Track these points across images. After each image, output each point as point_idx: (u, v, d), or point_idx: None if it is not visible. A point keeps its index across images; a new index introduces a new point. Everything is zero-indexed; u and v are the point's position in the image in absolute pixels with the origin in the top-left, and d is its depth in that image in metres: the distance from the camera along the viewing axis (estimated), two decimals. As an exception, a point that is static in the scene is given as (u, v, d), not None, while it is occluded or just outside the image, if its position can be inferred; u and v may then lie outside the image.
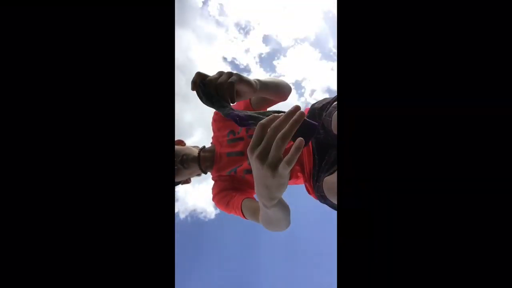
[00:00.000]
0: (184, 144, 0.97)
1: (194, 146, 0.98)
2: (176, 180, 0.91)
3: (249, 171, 0.89)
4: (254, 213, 0.79)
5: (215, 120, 0.98)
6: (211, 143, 1.00)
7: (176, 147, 0.92)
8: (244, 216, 0.85)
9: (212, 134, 1.03)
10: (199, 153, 0.93)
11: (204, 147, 0.99)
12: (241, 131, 0.91)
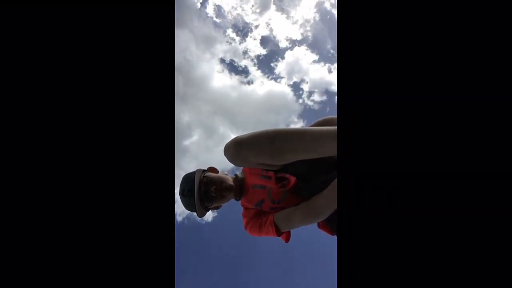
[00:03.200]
0: (217, 172, 0.99)
1: (225, 174, 1.00)
2: (210, 206, 0.93)
3: (273, 208, 0.91)
4: (289, 217, 0.85)
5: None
6: (243, 169, 1.02)
7: (213, 174, 0.94)
8: (276, 231, 0.87)
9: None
10: (234, 183, 0.95)
11: (236, 175, 1.01)
12: (269, 172, 0.92)
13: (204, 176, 0.91)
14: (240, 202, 1.00)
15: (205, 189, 0.89)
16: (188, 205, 0.91)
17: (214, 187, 0.90)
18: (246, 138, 0.73)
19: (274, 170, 0.85)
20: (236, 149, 0.73)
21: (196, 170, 0.93)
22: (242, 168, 1.02)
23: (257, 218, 0.93)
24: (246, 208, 0.99)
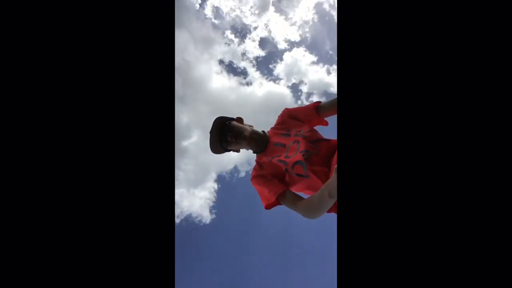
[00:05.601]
0: (242, 122, 1.16)
1: (249, 125, 1.15)
2: (228, 148, 1.10)
3: (280, 161, 1.04)
4: (293, 201, 0.97)
5: (282, 116, 1.15)
6: (269, 131, 1.16)
7: (235, 123, 1.10)
8: (275, 200, 0.99)
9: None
10: (252, 135, 1.09)
11: (262, 131, 1.15)
12: (293, 131, 1.08)
13: (226, 123, 1.08)
14: (256, 156, 1.13)
15: (224, 133, 1.06)
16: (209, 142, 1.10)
17: (230, 133, 1.06)
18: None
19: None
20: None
21: (218, 117, 1.11)
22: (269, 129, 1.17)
23: (264, 177, 1.05)
24: (260, 164, 1.10)
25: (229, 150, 1.13)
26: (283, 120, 1.13)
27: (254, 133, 1.10)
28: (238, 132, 1.07)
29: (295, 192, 1.02)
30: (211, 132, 1.09)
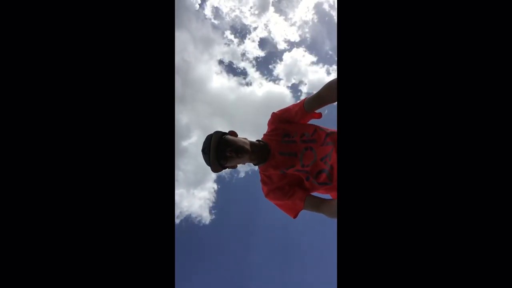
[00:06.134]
0: (237, 135, 1.07)
1: (243, 138, 1.08)
2: (226, 165, 1.01)
3: (299, 170, 1.00)
4: (316, 205, 0.95)
5: (272, 122, 1.08)
6: (262, 139, 1.10)
7: (231, 137, 1.02)
8: (298, 208, 0.98)
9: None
10: (252, 148, 1.03)
11: (258, 141, 1.09)
12: (296, 135, 1.02)
13: (222, 137, 0.99)
14: (258, 168, 1.07)
15: (221, 149, 0.97)
16: (205, 161, 1.01)
17: (230, 148, 0.97)
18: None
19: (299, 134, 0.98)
20: None
21: (215, 131, 1.02)
22: (262, 137, 1.11)
23: (282, 191, 1.01)
24: (267, 176, 1.05)
25: (225, 168, 1.02)
26: (276, 126, 1.06)
27: (253, 145, 1.04)
28: (239, 146, 0.98)
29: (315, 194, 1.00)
30: (206, 150, 0.98)
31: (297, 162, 1.00)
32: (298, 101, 1.06)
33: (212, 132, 1.03)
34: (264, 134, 1.10)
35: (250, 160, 1.04)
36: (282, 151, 1.02)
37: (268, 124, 1.09)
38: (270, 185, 1.02)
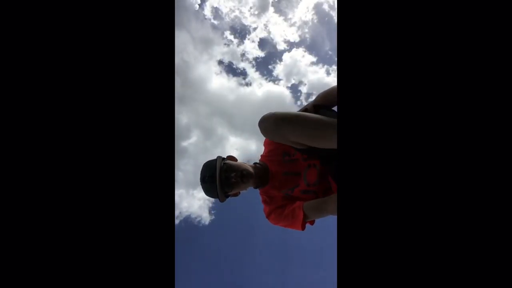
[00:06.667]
0: (236, 160, 1.02)
1: (243, 163, 1.03)
2: (229, 192, 0.95)
3: (306, 191, 0.96)
4: (321, 207, 0.88)
5: (269, 143, 1.02)
6: (260, 161, 1.05)
7: (233, 162, 0.98)
8: (303, 218, 0.90)
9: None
10: (254, 171, 0.98)
11: (256, 164, 1.04)
12: (296, 154, 0.96)
13: (224, 163, 0.94)
14: (258, 190, 1.03)
15: (225, 176, 0.91)
16: (208, 191, 0.94)
17: (234, 173, 0.92)
18: (291, 116, 0.75)
19: (298, 150, 0.87)
20: (277, 124, 0.74)
21: (217, 157, 0.96)
22: (260, 159, 1.05)
23: (282, 209, 0.96)
24: (269, 196, 1.00)
25: (228, 196, 0.96)
26: (274, 146, 1.00)
27: (256, 168, 1.00)
28: (243, 170, 0.93)
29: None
30: (208, 179, 0.92)
31: (301, 181, 0.97)
32: None
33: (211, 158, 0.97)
34: (262, 156, 1.06)
35: (254, 184, 0.99)
36: (285, 171, 0.98)
37: (265, 145, 1.04)
38: (271, 204, 0.99)
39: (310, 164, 0.95)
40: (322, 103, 0.93)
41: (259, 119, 0.78)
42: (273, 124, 0.74)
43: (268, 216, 0.99)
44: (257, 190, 1.05)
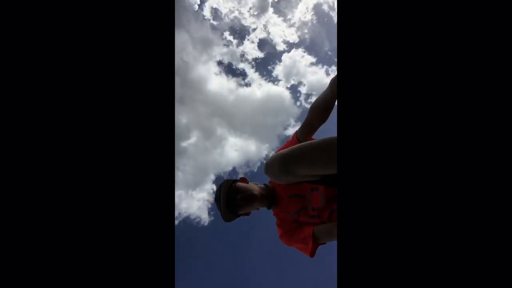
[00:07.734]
0: (248, 182, 1.07)
1: (254, 184, 1.07)
2: (240, 212, 1.01)
3: (312, 216, 0.98)
4: (332, 230, 0.91)
5: None
6: (270, 182, 1.08)
7: (242, 184, 1.02)
8: (312, 243, 0.93)
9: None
10: (262, 192, 1.02)
11: (265, 185, 1.08)
12: None
13: (233, 185, 1.00)
14: (272, 211, 1.06)
15: (232, 197, 0.97)
16: (218, 209, 1.00)
17: (240, 195, 0.97)
18: (294, 150, 0.73)
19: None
20: (284, 164, 0.72)
21: (225, 180, 1.03)
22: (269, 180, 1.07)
23: (293, 232, 1.00)
24: (280, 219, 1.04)
25: (239, 215, 1.02)
26: None
27: (263, 190, 1.03)
28: (247, 192, 0.98)
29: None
30: (217, 199, 0.99)
31: (306, 204, 0.98)
32: (291, 137, 1.04)
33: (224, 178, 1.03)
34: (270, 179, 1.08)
35: (263, 205, 1.03)
36: (290, 193, 1.00)
37: None
38: (283, 228, 1.02)
39: (313, 188, 0.97)
40: (311, 119, 0.96)
41: (264, 167, 0.78)
42: (281, 166, 0.72)
43: (280, 238, 1.04)
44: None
